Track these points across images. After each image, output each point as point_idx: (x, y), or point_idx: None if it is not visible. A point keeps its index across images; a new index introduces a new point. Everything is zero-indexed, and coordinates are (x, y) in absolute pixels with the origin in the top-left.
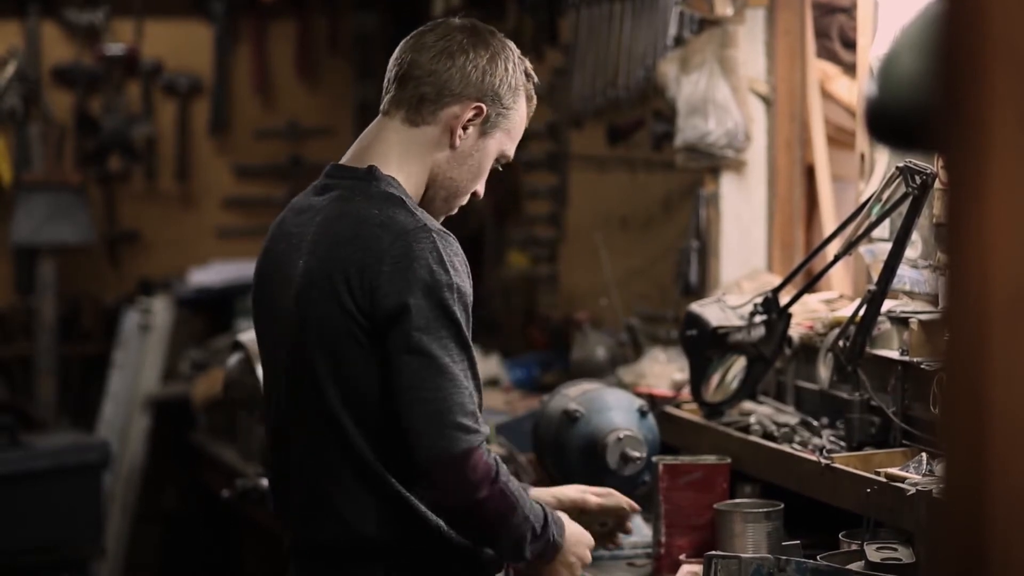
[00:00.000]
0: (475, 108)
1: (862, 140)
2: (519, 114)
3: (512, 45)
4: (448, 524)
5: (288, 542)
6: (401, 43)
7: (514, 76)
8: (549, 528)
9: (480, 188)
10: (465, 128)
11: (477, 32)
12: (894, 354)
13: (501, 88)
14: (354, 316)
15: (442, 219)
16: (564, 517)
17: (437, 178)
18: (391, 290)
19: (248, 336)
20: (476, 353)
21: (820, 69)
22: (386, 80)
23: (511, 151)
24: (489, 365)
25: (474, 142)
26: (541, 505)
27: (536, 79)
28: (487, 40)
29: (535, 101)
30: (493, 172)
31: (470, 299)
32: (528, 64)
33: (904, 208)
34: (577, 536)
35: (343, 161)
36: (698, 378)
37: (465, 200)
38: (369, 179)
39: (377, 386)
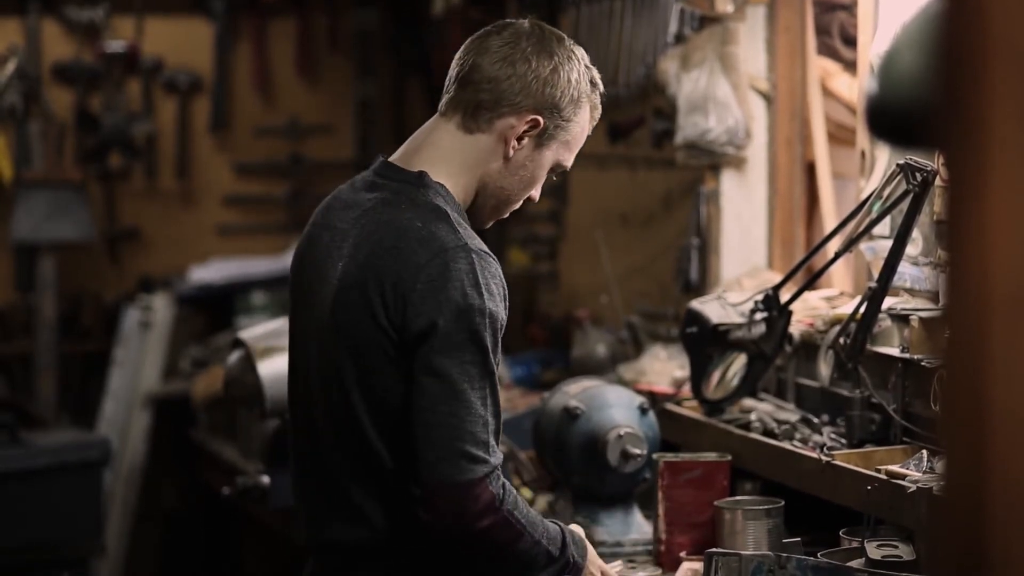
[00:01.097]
0: (531, 120)
1: (863, 137)
2: (579, 125)
3: (580, 54)
4: (446, 550)
5: (303, 539)
6: (467, 42)
7: (577, 87)
8: (568, 549)
9: (536, 193)
10: (520, 139)
11: (543, 39)
12: (895, 351)
13: (562, 100)
14: (385, 329)
15: (491, 222)
16: (585, 541)
17: (487, 187)
18: (423, 309)
19: (248, 334)
20: None
21: (821, 66)
22: (448, 79)
23: (568, 161)
24: None
25: (529, 153)
26: (559, 525)
27: (603, 88)
28: (552, 49)
29: (600, 111)
30: (548, 180)
31: (502, 324)
32: (595, 73)
33: (905, 205)
34: (597, 558)
35: (393, 159)
36: (698, 375)
37: (517, 206)
38: (418, 185)
39: (401, 397)
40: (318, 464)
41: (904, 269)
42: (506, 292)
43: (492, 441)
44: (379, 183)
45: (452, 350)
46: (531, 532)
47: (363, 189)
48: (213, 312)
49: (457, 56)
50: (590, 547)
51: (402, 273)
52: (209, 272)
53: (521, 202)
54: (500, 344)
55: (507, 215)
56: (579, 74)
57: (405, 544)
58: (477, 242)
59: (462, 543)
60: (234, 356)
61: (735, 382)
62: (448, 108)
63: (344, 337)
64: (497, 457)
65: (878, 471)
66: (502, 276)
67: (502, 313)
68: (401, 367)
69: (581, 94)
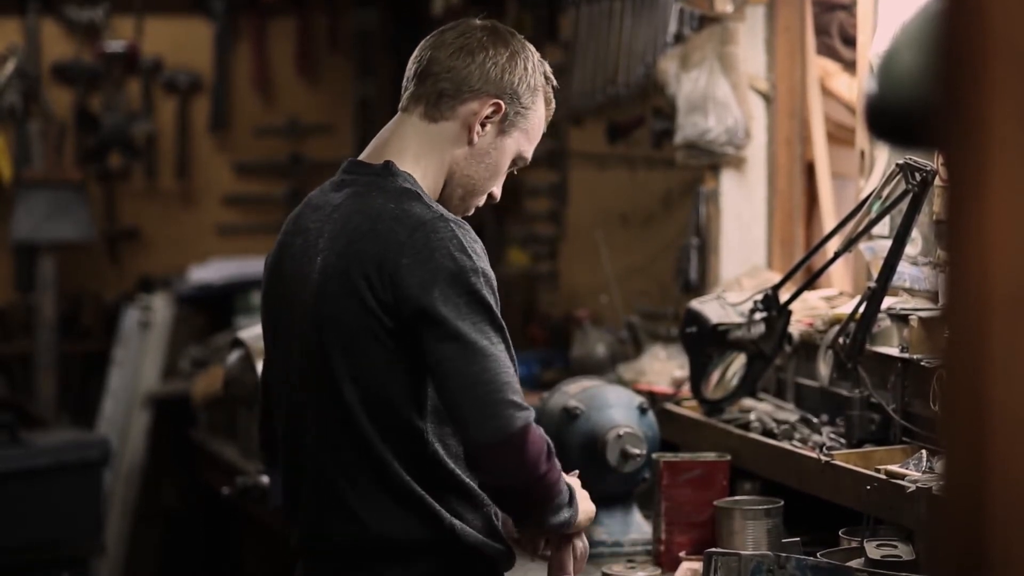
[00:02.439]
0: (494, 104)
1: (862, 137)
2: (537, 115)
3: (532, 47)
4: (499, 503)
5: (295, 541)
6: (422, 41)
7: (533, 76)
8: (575, 498)
9: (497, 190)
10: (484, 125)
11: (497, 31)
12: (894, 351)
13: (520, 87)
14: (375, 313)
15: (460, 216)
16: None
17: (454, 175)
18: (414, 282)
19: (248, 333)
20: None
21: (820, 66)
22: (405, 78)
23: (528, 153)
24: None
25: (492, 139)
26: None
27: (556, 83)
28: (507, 39)
29: (554, 104)
30: (508, 175)
31: (495, 282)
32: (548, 67)
33: (904, 205)
34: (586, 500)
35: (361, 157)
36: (698, 375)
37: (482, 200)
38: (385, 174)
39: (397, 385)
40: (309, 466)
41: (903, 269)
42: (487, 257)
43: (520, 390)
44: (348, 180)
45: (461, 314)
46: (562, 478)
47: (332, 190)
48: (212, 312)
49: (413, 55)
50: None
51: (385, 253)
52: (209, 272)
53: (485, 197)
54: (499, 301)
55: (472, 211)
56: (533, 65)
57: (403, 544)
58: (450, 214)
59: (525, 493)
60: (234, 356)
61: (734, 382)
62: (410, 103)
63: (331, 331)
64: (529, 405)
65: (877, 471)
66: (481, 242)
67: (492, 272)
68: (397, 351)
69: (537, 83)
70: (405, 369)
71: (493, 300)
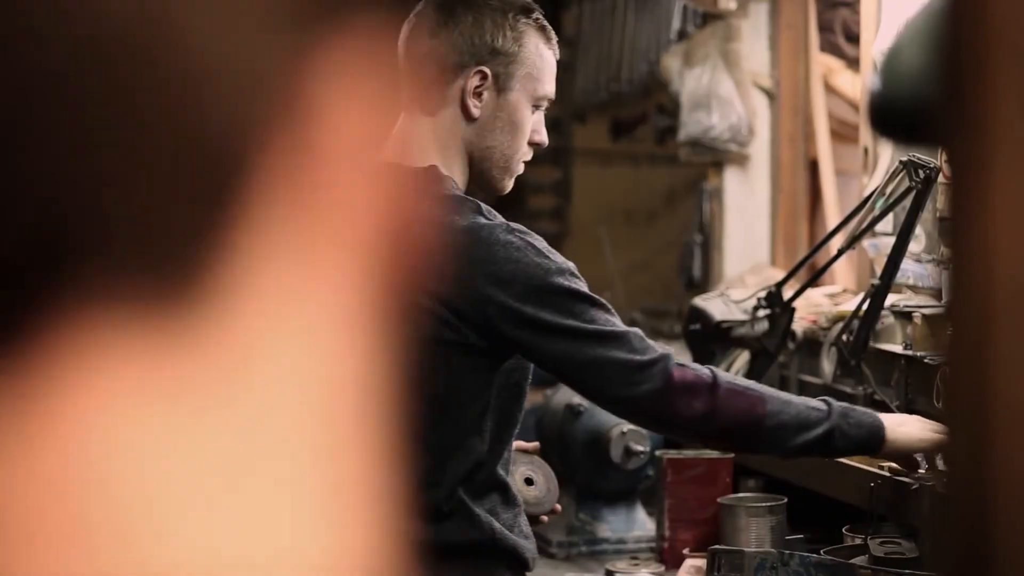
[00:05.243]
0: (477, 72)
1: (865, 134)
2: (530, 52)
3: None
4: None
5: None
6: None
7: (505, 24)
8: (833, 404)
9: (538, 135)
10: (478, 96)
11: (452, 1)
12: (898, 348)
13: (496, 41)
14: (457, 328)
15: (509, 182)
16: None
17: (474, 154)
18: (505, 295)
19: None
20: None
21: (823, 63)
22: (400, 75)
23: (547, 90)
24: None
25: (494, 104)
26: (823, 399)
27: (539, 9)
28: (465, 2)
29: (550, 29)
30: (546, 115)
31: (576, 269)
32: (519, 1)
33: (908, 202)
34: (898, 420)
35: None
36: None
37: (526, 156)
38: (432, 181)
39: (465, 394)
40: None
41: (907, 266)
42: None
43: (649, 343)
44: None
45: (565, 315)
46: (772, 395)
47: None
48: None
49: (397, 51)
50: (883, 416)
51: (462, 269)
52: None
53: (528, 150)
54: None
55: (521, 169)
56: (503, 10)
57: (440, 548)
58: (514, 223)
59: (707, 438)
60: None
61: None
62: (407, 101)
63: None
64: (663, 348)
65: (881, 468)
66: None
67: (570, 262)
68: (465, 362)
69: (513, 26)
70: (477, 381)
71: (584, 286)
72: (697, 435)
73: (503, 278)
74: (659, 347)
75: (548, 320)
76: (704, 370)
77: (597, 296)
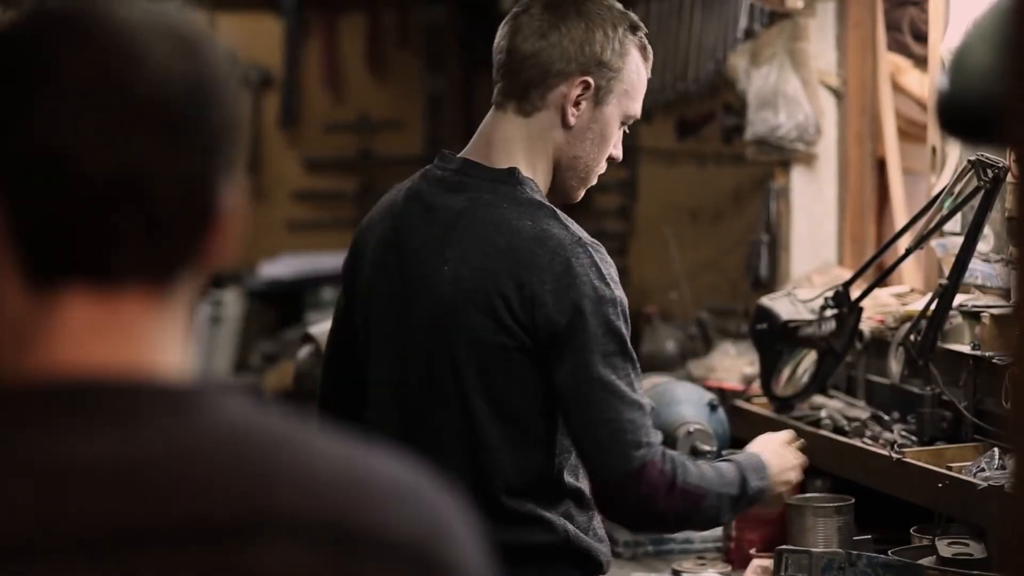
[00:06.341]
0: (582, 82)
1: (933, 133)
2: (632, 72)
3: (608, 3)
4: (634, 532)
5: None
6: (499, 30)
7: (615, 37)
8: (748, 485)
9: (615, 151)
10: (577, 105)
11: (566, 3)
12: (965, 348)
13: (604, 54)
14: (512, 331)
15: (582, 191)
16: (762, 451)
17: (561, 161)
18: (555, 310)
19: (318, 329)
20: None
21: (891, 62)
22: (494, 71)
23: (635, 109)
24: None
25: (590, 115)
26: (735, 463)
27: (645, 30)
28: (579, 8)
29: (650, 49)
30: (624, 134)
31: (628, 308)
32: (633, 16)
33: (976, 202)
34: (779, 465)
35: (470, 156)
36: (768, 372)
37: (603, 169)
38: (512, 183)
39: (530, 399)
40: None
41: (975, 266)
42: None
43: (648, 423)
44: (465, 182)
45: (592, 346)
46: (710, 489)
47: (446, 190)
48: (283, 307)
49: (494, 46)
50: (770, 460)
51: (524, 275)
52: (279, 267)
53: (604, 164)
54: (631, 327)
55: (595, 181)
56: (613, 25)
57: (514, 551)
58: (586, 234)
59: (651, 528)
60: (304, 351)
61: (805, 379)
62: (501, 98)
63: (463, 344)
64: (657, 436)
65: (949, 469)
66: (612, 260)
67: (625, 297)
68: (529, 370)
69: (622, 41)
70: (539, 385)
71: (626, 329)
72: (646, 529)
73: (557, 288)
74: (657, 433)
75: (577, 346)
76: (669, 470)
77: (630, 347)
